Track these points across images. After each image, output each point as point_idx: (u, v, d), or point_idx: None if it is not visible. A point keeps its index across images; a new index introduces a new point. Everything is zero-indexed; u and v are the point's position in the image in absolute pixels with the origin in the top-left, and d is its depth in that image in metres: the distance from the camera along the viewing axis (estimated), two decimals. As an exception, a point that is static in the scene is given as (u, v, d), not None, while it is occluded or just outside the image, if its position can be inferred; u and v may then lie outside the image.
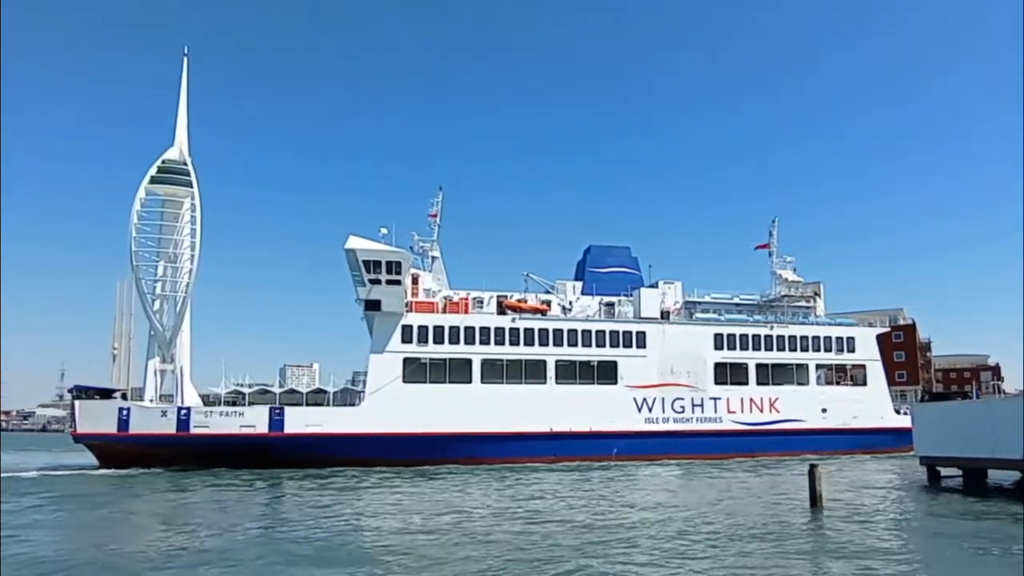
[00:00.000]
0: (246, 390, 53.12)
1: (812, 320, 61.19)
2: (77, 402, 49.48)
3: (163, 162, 53.11)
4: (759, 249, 65.12)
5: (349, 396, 52.31)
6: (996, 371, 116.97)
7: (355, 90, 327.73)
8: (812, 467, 26.06)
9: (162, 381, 52.48)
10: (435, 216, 58.15)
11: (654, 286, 59.84)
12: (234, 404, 50.51)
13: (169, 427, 48.02)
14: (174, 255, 52.56)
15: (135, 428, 48.12)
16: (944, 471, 34.39)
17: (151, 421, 48.36)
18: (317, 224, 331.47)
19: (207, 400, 51.81)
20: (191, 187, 52.88)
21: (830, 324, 60.77)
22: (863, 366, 59.75)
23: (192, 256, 52.15)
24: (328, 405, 51.08)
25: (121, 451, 47.50)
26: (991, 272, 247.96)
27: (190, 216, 52.78)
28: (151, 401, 50.52)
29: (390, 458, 47.52)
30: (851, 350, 59.70)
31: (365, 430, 48.72)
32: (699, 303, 60.38)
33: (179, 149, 54.74)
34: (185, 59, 57.46)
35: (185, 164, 53.79)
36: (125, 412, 48.68)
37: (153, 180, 52.29)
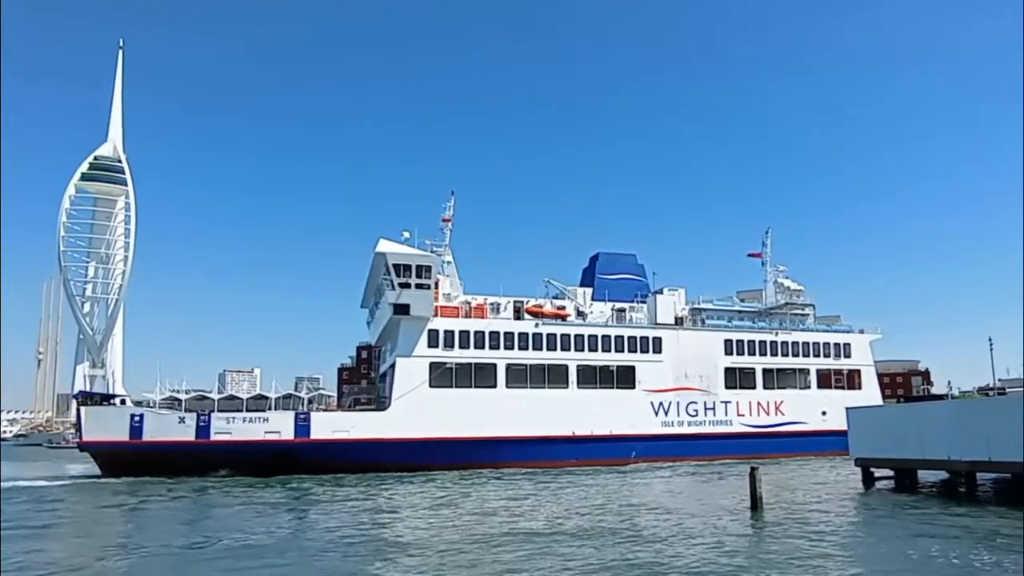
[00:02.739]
0: (183, 396, 51.69)
1: (809, 326, 63.67)
2: (83, 408, 47.25)
3: (95, 159, 51.30)
4: (752, 257, 67.55)
5: (378, 400, 51.57)
6: (926, 376, 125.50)
7: (321, 95, 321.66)
8: (752, 470, 26.89)
9: (92, 386, 50.44)
10: (448, 220, 58.06)
11: (659, 292, 61.14)
12: (257, 410, 49.08)
13: (188, 434, 46.40)
14: (106, 255, 51.01)
15: (149, 435, 46.34)
16: (878, 472, 35.55)
17: (168, 428, 46.65)
18: (263, 227, 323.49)
19: (143, 406, 50.04)
20: (125, 185, 51.21)
21: (827, 330, 63.34)
22: (858, 371, 62.54)
23: (126, 257, 50.53)
24: (356, 410, 50.25)
25: (133, 459, 45.58)
26: (918, 279, 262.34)
27: (124, 215, 50.94)
28: None
29: (417, 463, 47.12)
30: (847, 355, 62.45)
31: (392, 435, 48.14)
32: (704, 309, 61.97)
33: (112, 145, 53.00)
34: (120, 52, 55.75)
35: (119, 161, 52.15)
36: (138, 418, 46.84)
37: (84, 177, 50.50)
